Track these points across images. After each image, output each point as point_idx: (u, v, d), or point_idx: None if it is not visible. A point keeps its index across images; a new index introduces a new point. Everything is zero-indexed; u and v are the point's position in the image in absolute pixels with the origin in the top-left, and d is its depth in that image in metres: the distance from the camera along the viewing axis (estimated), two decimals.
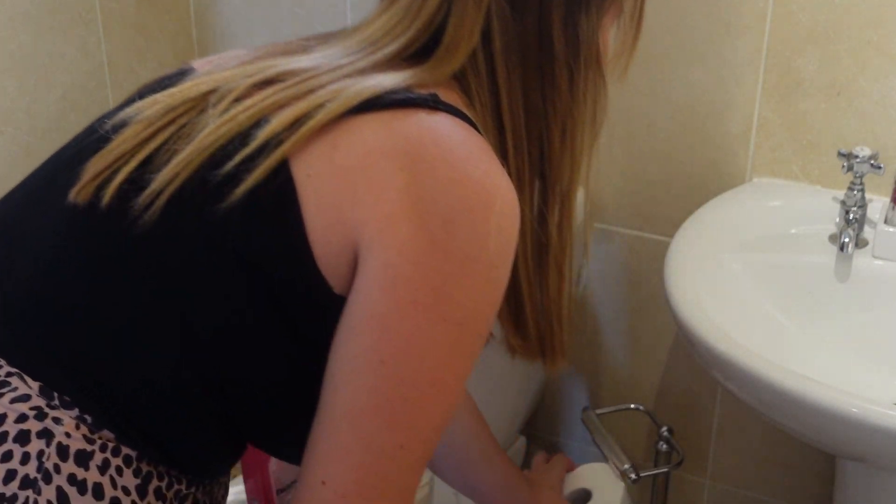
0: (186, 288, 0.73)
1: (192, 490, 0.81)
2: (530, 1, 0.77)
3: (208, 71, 0.80)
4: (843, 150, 1.15)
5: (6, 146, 1.24)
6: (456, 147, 0.71)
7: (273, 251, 0.71)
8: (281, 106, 0.73)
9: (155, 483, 0.76)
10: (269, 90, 0.74)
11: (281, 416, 0.79)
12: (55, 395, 0.73)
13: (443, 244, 0.68)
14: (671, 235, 1.20)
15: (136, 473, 0.75)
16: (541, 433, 1.61)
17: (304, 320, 0.73)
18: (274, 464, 1.28)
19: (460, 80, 0.78)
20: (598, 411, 1.32)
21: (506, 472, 1.11)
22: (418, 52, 0.77)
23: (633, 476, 1.19)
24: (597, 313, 1.49)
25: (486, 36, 0.77)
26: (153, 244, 0.73)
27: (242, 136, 0.72)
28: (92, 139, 0.78)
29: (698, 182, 1.32)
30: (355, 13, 1.40)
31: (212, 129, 0.73)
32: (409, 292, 0.68)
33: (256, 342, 0.74)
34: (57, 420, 0.73)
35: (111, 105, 1.38)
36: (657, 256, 1.28)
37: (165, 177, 0.72)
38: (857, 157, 1.13)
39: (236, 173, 0.71)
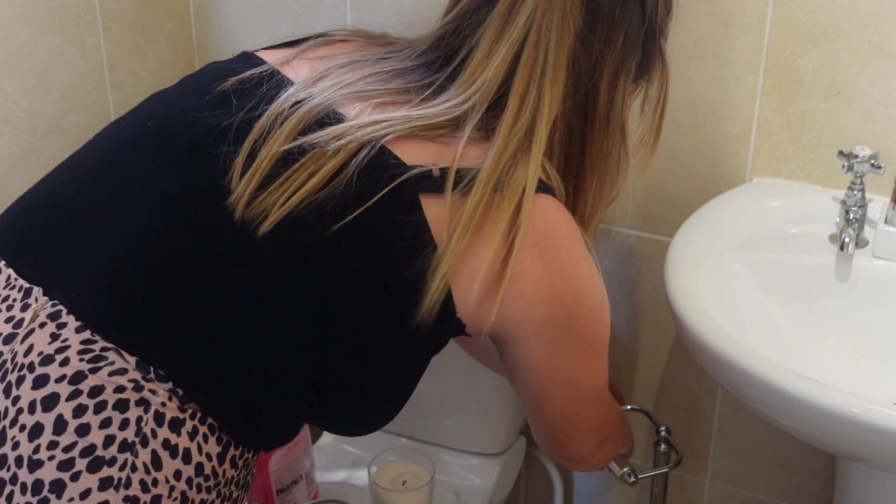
0: (317, 294, 0.81)
1: (251, 456, 0.87)
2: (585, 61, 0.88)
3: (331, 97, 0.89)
4: (844, 150, 1.15)
5: (6, 146, 1.24)
6: (565, 234, 0.88)
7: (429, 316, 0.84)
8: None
9: (231, 451, 0.82)
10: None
11: (360, 401, 0.90)
12: (151, 369, 0.78)
13: (567, 323, 0.90)
14: (671, 235, 1.19)
15: (219, 441, 0.81)
16: None
17: (426, 335, 0.86)
18: (274, 464, 1.28)
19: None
20: None
21: None
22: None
23: (631, 479, 1.19)
24: None
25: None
26: (280, 250, 0.81)
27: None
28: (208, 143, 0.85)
29: (698, 182, 1.32)
30: (355, 13, 1.40)
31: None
32: (554, 359, 0.93)
33: (373, 348, 0.85)
34: (153, 392, 0.78)
35: (111, 105, 1.38)
36: (657, 256, 1.28)
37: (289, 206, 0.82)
38: (857, 156, 1.13)
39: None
